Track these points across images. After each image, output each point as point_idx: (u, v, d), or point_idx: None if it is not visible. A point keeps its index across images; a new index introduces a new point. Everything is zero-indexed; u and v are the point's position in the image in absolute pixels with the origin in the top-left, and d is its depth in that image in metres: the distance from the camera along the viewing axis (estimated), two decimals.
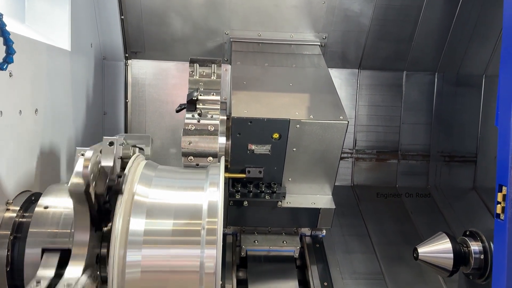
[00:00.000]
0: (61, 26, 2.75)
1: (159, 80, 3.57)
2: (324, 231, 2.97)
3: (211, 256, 1.87)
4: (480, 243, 2.23)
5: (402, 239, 3.24)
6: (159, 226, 1.93)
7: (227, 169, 2.63)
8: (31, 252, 1.94)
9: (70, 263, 1.78)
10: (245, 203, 2.68)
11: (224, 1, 3.27)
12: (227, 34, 3.40)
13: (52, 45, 2.54)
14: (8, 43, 1.68)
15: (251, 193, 2.68)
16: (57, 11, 2.75)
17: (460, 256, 2.24)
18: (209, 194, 2.04)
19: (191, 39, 3.42)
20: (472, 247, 2.24)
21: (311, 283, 2.66)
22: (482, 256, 2.20)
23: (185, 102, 3.06)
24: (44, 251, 1.93)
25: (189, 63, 2.75)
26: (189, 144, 2.43)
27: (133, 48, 3.47)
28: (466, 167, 3.63)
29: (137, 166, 2.12)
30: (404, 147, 3.70)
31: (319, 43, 3.40)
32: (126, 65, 3.51)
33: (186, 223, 1.95)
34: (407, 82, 3.68)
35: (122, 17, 3.29)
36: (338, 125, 2.60)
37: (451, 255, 2.24)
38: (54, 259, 1.92)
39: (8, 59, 1.70)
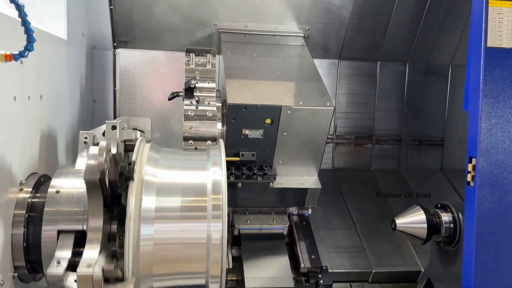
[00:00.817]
0: (57, 16, 2.83)
1: (148, 69, 3.67)
2: (310, 210, 3.19)
3: (218, 229, 2.06)
4: (450, 214, 2.53)
5: (379, 216, 3.52)
6: (169, 203, 2.10)
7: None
8: (47, 230, 2.08)
9: (86, 246, 1.90)
10: (239, 184, 2.87)
11: None
12: (215, 25, 3.53)
13: (52, 34, 2.64)
14: (29, 32, 1.79)
15: (244, 175, 2.88)
16: (53, 0, 2.84)
17: (433, 226, 2.52)
18: (212, 173, 2.21)
19: (180, 29, 3.54)
20: (443, 218, 2.54)
21: (300, 257, 2.89)
22: (452, 226, 2.50)
23: (177, 91, 3.23)
24: (59, 232, 2.07)
25: (185, 53, 2.89)
26: (190, 128, 2.60)
27: (123, 37, 3.56)
28: (434, 150, 3.95)
29: (143, 149, 2.28)
30: (378, 133, 3.98)
31: (303, 35, 3.59)
32: (114, 54, 3.61)
33: (192, 199, 2.13)
34: (381, 72, 3.95)
35: (111, 7, 3.38)
36: (325, 110, 2.82)
37: (425, 225, 2.53)
38: (70, 240, 2.06)
39: (29, 47, 1.80)
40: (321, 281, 2.89)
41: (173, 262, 2.07)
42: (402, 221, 2.56)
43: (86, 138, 2.40)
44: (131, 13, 3.43)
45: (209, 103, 2.75)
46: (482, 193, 1.70)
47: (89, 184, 1.91)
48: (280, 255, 2.92)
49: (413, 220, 2.55)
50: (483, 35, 1.71)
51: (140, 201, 2.02)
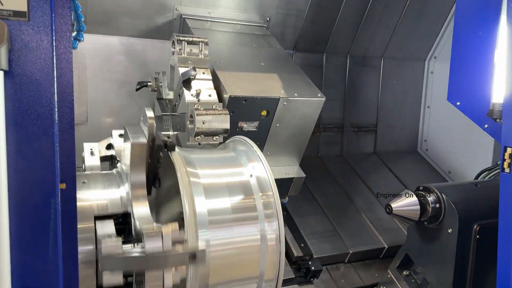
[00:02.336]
0: None
1: (102, 55, 3.23)
2: (287, 199, 3.25)
3: (273, 228, 1.99)
4: (434, 195, 2.83)
5: (338, 199, 3.76)
6: (219, 205, 1.96)
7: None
8: None
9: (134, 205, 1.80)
10: None
11: None
12: (178, 10, 3.27)
13: None
14: (79, 18, 1.47)
15: None
16: None
17: (423, 207, 2.81)
18: (252, 169, 2.11)
19: (138, 13, 3.19)
20: (429, 198, 2.84)
21: (291, 247, 2.94)
22: (437, 205, 2.81)
23: (144, 80, 2.95)
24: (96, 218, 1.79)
25: (176, 41, 2.66)
26: (203, 123, 2.43)
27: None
28: (369, 135, 4.34)
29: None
30: (324, 121, 4.19)
31: (264, 25, 3.56)
32: None
33: (242, 199, 2.02)
34: (327, 63, 4.14)
35: None
36: (317, 101, 2.92)
37: (418, 207, 2.79)
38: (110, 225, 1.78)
39: (80, 36, 1.49)
40: (312, 268, 3.05)
41: (227, 269, 1.95)
42: (397, 205, 2.78)
43: (91, 149, 2.20)
44: None
45: (210, 95, 2.59)
46: None
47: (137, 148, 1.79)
48: None
49: (406, 203, 2.79)
50: None
51: (194, 205, 1.86)
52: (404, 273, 3.11)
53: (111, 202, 1.87)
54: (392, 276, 3.14)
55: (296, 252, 2.98)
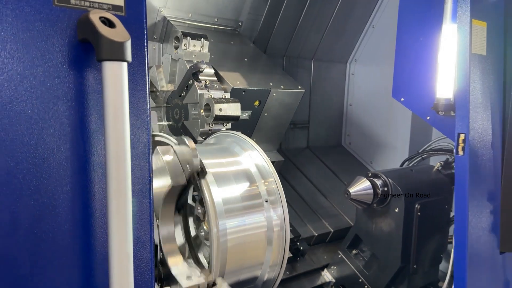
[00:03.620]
0: None
1: None
2: None
3: (278, 214, 2.14)
4: (381, 179, 3.21)
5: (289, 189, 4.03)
6: (230, 193, 2.06)
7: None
8: None
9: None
10: None
11: None
12: (162, 12, 3.35)
13: None
14: None
15: None
16: None
17: (375, 191, 3.17)
18: (248, 158, 2.23)
19: None
20: (377, 182, 3.20)
21: None
22: (385, 188, 3.19)
23: None
24: None
25: (182, 36, 2.90)
26: (220, 111, 2.74)
27: None
28: (303, 131, 4.66)
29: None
30: None
31: (237, 29, 3.81)
32: None
33: (248, 186, 2.14)
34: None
35: None
36: (298, 93, 3.44)
37: (371, 191, 3.14)
38: None
39: None
40: (301, 248, 3.46)
41: (240, 257, 2.06)
42: (354, 190, 3.10)
43: None
44: None
45: (216, 87, 2.90)
46: (470, 160, 2.39)
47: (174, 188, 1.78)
48: None
49: (361, 187, 3.12)
50: (469, 44, 2.36)
51: (211, 195, 1.94)
52: (353, 252, 3.47)
53: None
54: (343, 255, 3.48)
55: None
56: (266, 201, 2.06)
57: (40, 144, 1.11)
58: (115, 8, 1.20)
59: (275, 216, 2.12)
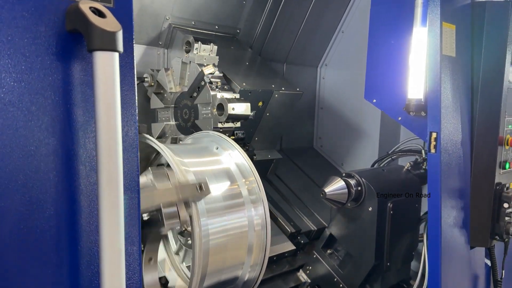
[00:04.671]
0: None
1: None
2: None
3: (258, 214, 2.14)
4: (355, 179, 3.27)
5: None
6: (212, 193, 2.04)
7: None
8: None
9: None
10: None
11: None
12: (168, 19, 3.49)
13: None
14: None
15: None
16: None
17: (349, 190, 3.22)
18: (228, 157, 2.23)
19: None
20: (351, 182, 3.26)
21: (284, 225, 3.58)
22: (359, 188, 3.25)
23: (140, 77, 3.32)
24: None
25: (194, 41, 3.06)
26: (233, 110, 2.94)
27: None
28: None
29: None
30: None
31: (236, 36, 3.96)
32: None
33: (229, 186, 2.13)
34: None
35: None
36: (296, 94, 3.69)
37: (346, 190, 3.19)
38: None
39: None
40: (302, 241, 3.65)
41: (221, 256, 2.05)
42: (329, 190, 3.14)
43: None
44: None
45: (226, 88, 3.12)
46: (442, 157, 2.47)
47: None
48: None
49: (336, 187, 3.16)
50: (439, 46, 2.45)
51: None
52: (328, 251, 3.51)
53: None
54: (318, 255, 3.51)
55: (289, 229, 3.54)
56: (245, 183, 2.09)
57: (28, 137, 1.07)
58: None
59: (256, 215, 2.12)
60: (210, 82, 3.05)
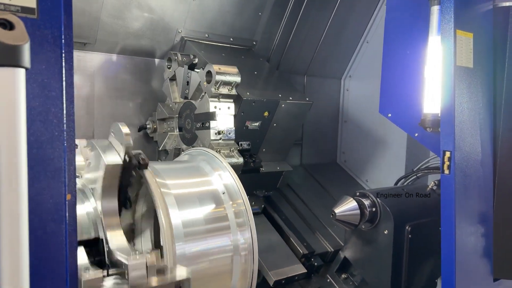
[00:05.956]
0: None
1: (109, 73, 3.38)
2: (271, 192, 3.76)
3: (245, 237, 2.00)
4: (369, 199, 3.04)
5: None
6: (192, 216, 1.93)
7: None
8: None
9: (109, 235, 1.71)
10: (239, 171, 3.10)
11: (187, 0, 3.41)
12: (180, 32, 3.51)
13: None
14: None
15: None
16: None
17: (362, 211, 3.00)
18: (218, 178, 2.11)
19: (143, 34, 3.39)
20: (365, 202, 3.04)
21: (296, 246, 3.45)
22: (374, 209, 3.02)
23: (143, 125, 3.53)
24: None
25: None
26: (219, 69, 2.94)
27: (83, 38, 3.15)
28: (296, 148, 4.52)
29: None
30: None
31: (252, 48, 3.94)
32: None
33: (214, 208, 2.00)
34: None
35: None
36: (306, 104, 3.55)
37: (358, 211, 2.97)
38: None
39: None
40: (315, 263, 3.48)
41: (203, 282, 1.91)
42: (340, 210, 2.94)
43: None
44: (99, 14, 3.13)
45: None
46: (457, 179, 2.23)
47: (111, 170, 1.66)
48: (268, 227, 3.49)
49: (347, 208, 2.96)
50: (453, 56, 2.22)
51: (169, 216, 1.80)
52: (343, 276, 3.29)
53: (79, 226, 1.74)
54: (331, 280, 3.29)
55: (302, 250, 3.40)
56: (224, 193, 1.95)
57: None
58: (25, 10, 1.09)
59: (242, 239, 1.98)
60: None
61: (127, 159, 1.74)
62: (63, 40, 1.12)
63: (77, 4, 2.97)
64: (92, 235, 1.69)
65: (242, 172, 3.19)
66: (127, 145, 1.73)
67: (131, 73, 3.52)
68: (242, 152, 3.20)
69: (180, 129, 3.35)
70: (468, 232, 2.34)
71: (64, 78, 1.11)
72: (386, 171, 4.41)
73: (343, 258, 3.23)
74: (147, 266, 1.51)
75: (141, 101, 3.58)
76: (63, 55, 1.12)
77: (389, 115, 2.92)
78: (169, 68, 3.36)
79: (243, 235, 1.98)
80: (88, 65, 3.30)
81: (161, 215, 1.74)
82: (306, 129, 4.55)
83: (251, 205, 3.45)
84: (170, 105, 3.42)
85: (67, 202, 1.10)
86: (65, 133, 1.11)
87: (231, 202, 2.02)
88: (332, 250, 3.63)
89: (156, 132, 3.49)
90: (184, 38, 3.58)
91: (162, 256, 1.70)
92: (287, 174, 4.19)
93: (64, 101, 1.11)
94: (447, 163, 2.23)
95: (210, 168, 2.13)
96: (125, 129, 1.74)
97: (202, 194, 2.02)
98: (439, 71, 2.36)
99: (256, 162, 3.27)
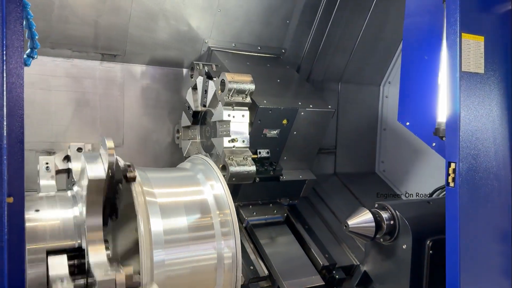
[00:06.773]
0: None
1: (138, 83, 3.56)
2: (297, 201, 3.70)
3: (229, 247, 2.01)
4: (388, 212, 2.91)
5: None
6: (176, 224, 1.97)
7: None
8: None
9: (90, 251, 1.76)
10: (257, 179, 3.16)
11: (212, 11, 3.51)
12: (206, 42, 3.63)
13: None
14: (33, 36, 1.47)
15: (259, 171, 3.18)
16: None
17: (378, 224, 2.88)
18: (209, 188, 2.14)
19: (171, 45, 3.54)
20: (383, 215, 2.91)
21: (316, 257, 3.35)
22: (392, 222, 2.88)
23: None
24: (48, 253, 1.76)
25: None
26: (232, 78, 2.98)
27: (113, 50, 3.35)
28: (329, 157, 4.43)
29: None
30: None
31: (280, 56, 3.95)
32: None
33: (199, 218, 2.04)
34: None
35: None
36: (328, 112, 3.46)
37: (373, 224, 2.85)
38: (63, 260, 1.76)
39: (33, 53, 1.49)
40: (336, 276, 3.38)
41: None
42: (353, 222, 2.84)
43: (47, 163, 2.15)
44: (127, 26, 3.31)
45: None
46: (462, 192, 2.08)
47: (95, 185, 1.73)
48: (287, 235, 3.42)
49: (362, 220, 2.85)
50: (458, 61, 2.08)
51: (149, 224, 1.86)
52: None
53: (64, 234, 1.84)
54: None
55: (322, 262, 3.29)
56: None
57: None
58: None
59: (226, 248, 1.99)
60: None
61: (110, 173, 1.81)
62: (4, 57, 1.19)
63: (105, 17, 3.20)
64: (76, 245, 1.79)
65: (261, 180, 3.21)
66: (110, 161, 1.80)
67: (160, 83, 3.65)
68: (261, 160, 3.20)
69: (202, 136, 3.44)
70: (480, 249, 2.17)
71: (5, 90, 1.19)
72: (426, 183, 4.17)
73: (363, 272, 3.11)
74: (115, 284, 1.57)
75: (169, 109, 3.70)
76: (4, 70, 1.20)
77: (407, 123, 2.78)
78: (191, 77, 3.46)
79: (227, 244, 1.99)
80: (119, 75, 3.47)
81: (140, 223, 1.80)
82: (340, 136, 4.44)
83: (273, 213, 3.49)
84: (197, 113, 3.50)
85: (6, 204, 1.17)
86: (5, 133, 1.17)
87: (218, 212, 2.04)
88: (358, 263, 3.50)
89: (181, 139, 3.60)
90: (210, 48, 3.66)
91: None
92: (316, 183, 4.12)
93: (5, 101, 1.18)
94: (451, 175, 2.08)
95: (203, 178, 2.17)
96: (110, 144, 1.82)
97: (189, 203, 2.06)
98: (445, 77, 2.22)
99: (276, 170, 3.26)
